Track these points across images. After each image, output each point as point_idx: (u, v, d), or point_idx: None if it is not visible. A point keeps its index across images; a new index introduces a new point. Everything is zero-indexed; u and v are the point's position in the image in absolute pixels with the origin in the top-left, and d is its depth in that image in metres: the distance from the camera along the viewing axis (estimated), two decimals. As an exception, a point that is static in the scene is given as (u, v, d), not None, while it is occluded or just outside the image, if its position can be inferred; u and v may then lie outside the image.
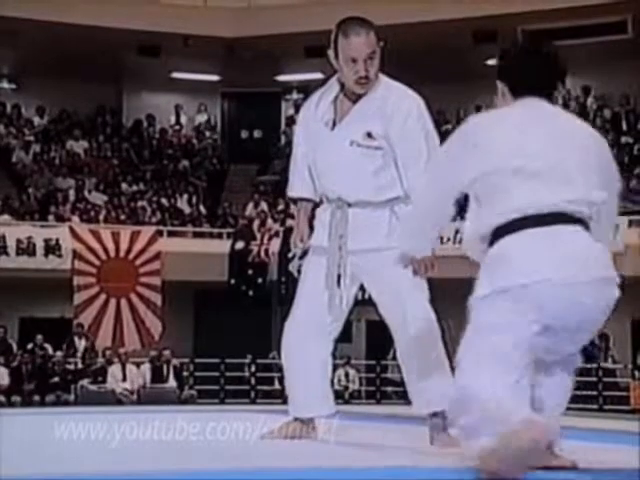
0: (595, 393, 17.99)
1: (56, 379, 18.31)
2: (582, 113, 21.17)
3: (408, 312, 4.48)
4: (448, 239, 18.47)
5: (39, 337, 18.70)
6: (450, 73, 20.61)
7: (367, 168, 4.49)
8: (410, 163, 4.46)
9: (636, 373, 18.02)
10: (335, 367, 21.09)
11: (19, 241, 19.00)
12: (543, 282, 3.16)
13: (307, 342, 4.58)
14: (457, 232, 18.84)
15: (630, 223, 17.98)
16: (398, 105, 4.49)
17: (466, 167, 3.38)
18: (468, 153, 3.38)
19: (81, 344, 19.00)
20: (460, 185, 3.43)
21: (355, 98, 4.57)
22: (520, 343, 3.15)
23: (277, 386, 19.45)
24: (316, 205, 4.79)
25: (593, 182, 3.34)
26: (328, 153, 4.57)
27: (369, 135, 4.48)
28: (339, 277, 4.56)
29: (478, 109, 21.88)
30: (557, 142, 3.37)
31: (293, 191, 4.81)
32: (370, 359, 19.52)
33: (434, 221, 3.58)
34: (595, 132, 3.53)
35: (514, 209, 3.27)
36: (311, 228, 4.77)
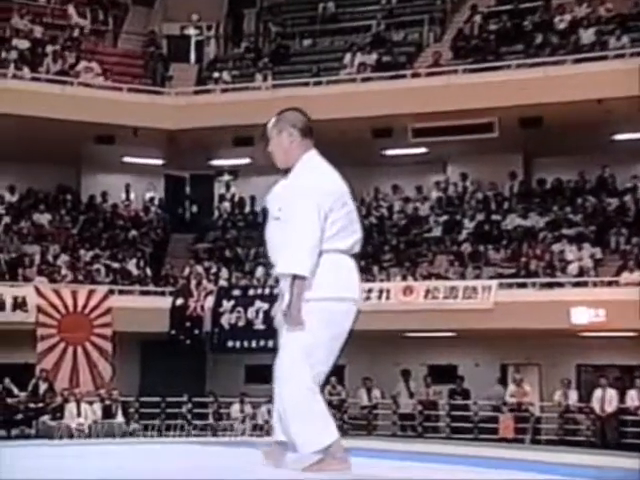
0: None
1: (20, 416, 17.90)
2: (461, 195, 21.61)
3: (278, 357, 4.34)
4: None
5: (7, 380, 18.27)
6: (352, 160, 20.84)
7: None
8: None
9: (503, 408, 18.20)
10: (259, 404, 20.73)
11: (-10, 298, 18.65)
12: None
13: None
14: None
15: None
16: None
17: None
18: None
19: (44, 386, 18.60)
20: None
21: None
22: None
23: (210, 421, 19.21)
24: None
25: None
26: None
27: None
28: None
29: (376, 190, 22.23)
30: None
31: None
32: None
33: None
34: None
35: None
36: None
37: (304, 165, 4.35)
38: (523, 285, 18.42)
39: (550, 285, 18.17)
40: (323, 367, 4.30)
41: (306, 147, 4.38)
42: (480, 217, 20.64)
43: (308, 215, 4.20)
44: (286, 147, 4.36)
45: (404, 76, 20.46)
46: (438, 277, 19.28)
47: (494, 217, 20.60)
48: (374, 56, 21.44)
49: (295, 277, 4.21)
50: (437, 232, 20.79)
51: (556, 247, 18.99)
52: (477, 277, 19.01)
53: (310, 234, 4.19)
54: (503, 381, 19.22)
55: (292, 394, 4.22)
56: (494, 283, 18.33)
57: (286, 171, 4.41)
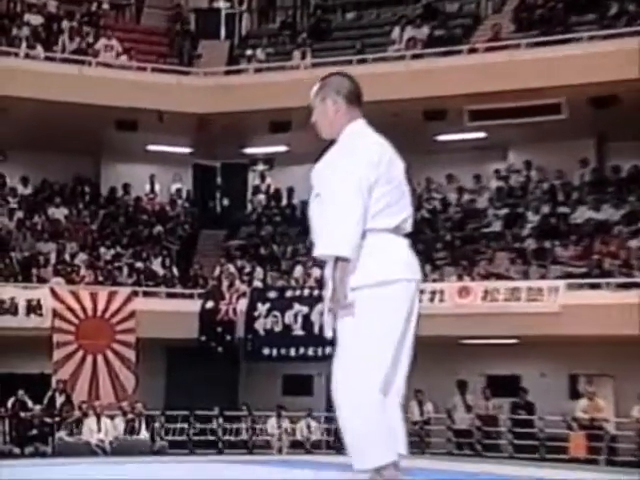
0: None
1: (35, 431, 18.14)
2: (524, 185, 21.51)
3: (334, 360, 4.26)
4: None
5: (20, 392, 18.51)
6: (401, 147, 20.80)
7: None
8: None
9: (573, 424, 18.11)
10: (297, 419, 20.88)
11: (2, 301, 18.91)
12: None
13: None
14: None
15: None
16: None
17: None
18: None
19: (60, 399, 18.84)
20: None
21: None
22: None
23: (244, 437, 19.35)
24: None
25: None
26: None
27: None
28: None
29: (429, 180, 22.21)
30: None
31: None
32: (330, 411, 19.46)
33: None
34: None
35: None
36: None
37: (348, 137, 4.33)
38: (595, 286, 18.31)
39: (626, 286, 18.04)
40: (390, 368, 4.15)
41: (352, 116, 4.37)
42: (546, 209, 20.55)
43: (349, 190, 4.13)
44: (331, 116, 4.35)
45: (460, 52, 20.43)
46: (498, 277, 19.24)
47: (562, 209, 20.50)
48: (425, 30, 21.42)
49: (337, 259, 4.12)
50: (497, 226, 20.74)
51: (633, 243, 18.85)
52: (542, 277, 18.93)
53: (352, 211, 4.12)
54: (573, 394, 19.13)
55: (345, 401, 4.12)
56: (562, 284, 18.26)
57: (330, 144, 4.39)
